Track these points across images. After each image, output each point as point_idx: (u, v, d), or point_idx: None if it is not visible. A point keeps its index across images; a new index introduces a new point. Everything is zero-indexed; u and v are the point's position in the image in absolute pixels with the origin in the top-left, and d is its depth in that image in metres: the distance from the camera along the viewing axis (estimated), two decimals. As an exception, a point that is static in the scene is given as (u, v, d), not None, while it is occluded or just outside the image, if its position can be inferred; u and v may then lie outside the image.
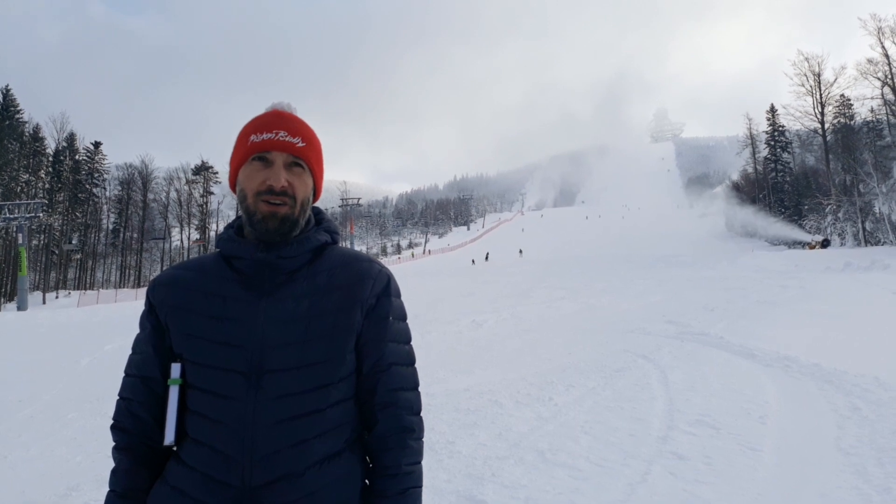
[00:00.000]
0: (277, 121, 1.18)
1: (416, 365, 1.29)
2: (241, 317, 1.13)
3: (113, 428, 1.21)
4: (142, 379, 1.20)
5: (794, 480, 3.43)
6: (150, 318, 1.22)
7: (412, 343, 1.29)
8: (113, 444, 1.21)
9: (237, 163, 1.19)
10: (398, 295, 1.27)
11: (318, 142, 1.23)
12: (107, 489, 1.19)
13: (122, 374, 1.24)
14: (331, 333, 1.15)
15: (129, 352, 1.25)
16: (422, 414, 1.25)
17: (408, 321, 1.30)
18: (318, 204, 1.31)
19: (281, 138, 1.15)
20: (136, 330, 1.26)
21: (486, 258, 63.18)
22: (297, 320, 1.13)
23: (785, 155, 67.38)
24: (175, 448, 1.17)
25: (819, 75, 52.56)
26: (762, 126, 70.52)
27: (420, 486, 1.20)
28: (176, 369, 1.16)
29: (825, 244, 42.66)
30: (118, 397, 1.22)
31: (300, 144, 1.17)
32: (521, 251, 68.15)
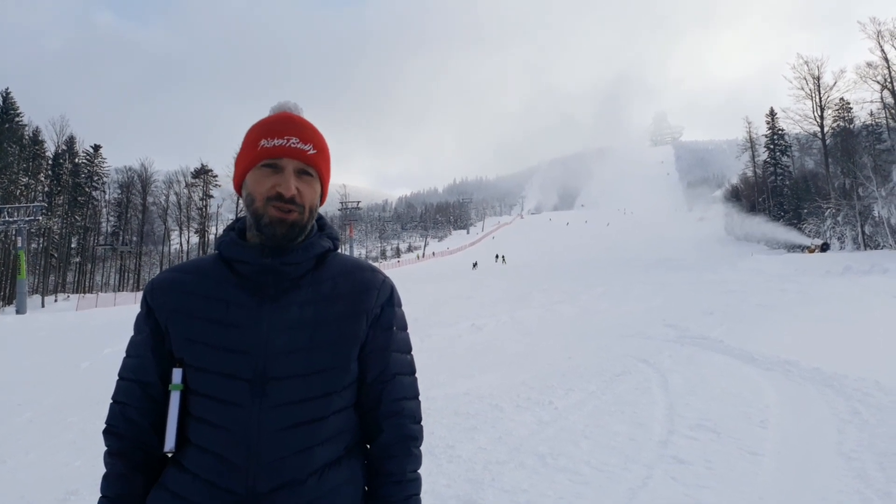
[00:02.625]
0: (289, 126, 1.15)
1: (416, 369, 1.29)
2: (245, 322, 1.12)
3: (106, 432, 1.18)
4: (139, 383, 1.18)
5: (795, 484, 3.43)
6: (149, 321, 1.20)
7: (412, 352, 1.30)
8: (105, 448, 1.18)
9: (245, 166, 1.17)
10: (400, 305, 1.28)
11: (327, 148, 1.21)
12: None
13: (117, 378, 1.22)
14: (336, 341, 1.15)
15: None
16: (422, 421, 1.26)
17: (408, 327, 1.31)
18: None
19: (293, 145, 1.13)
20: None
21: (503, 259, 62.38)
22: (301, 327, 1.13)
23: (784, 158, 67.34)
24: (173, 454, 1.15)
25: (818, 79, 52.72)
26: (761, 130, 70.59)
27: (420, 493, 1.21)
28: (177, 374, 1.14)
29: (824, 248, 42.64)
30: (112, 401, 1.20)
31: (311, 152, 1.15)
32: (503, 257, 66.83)
